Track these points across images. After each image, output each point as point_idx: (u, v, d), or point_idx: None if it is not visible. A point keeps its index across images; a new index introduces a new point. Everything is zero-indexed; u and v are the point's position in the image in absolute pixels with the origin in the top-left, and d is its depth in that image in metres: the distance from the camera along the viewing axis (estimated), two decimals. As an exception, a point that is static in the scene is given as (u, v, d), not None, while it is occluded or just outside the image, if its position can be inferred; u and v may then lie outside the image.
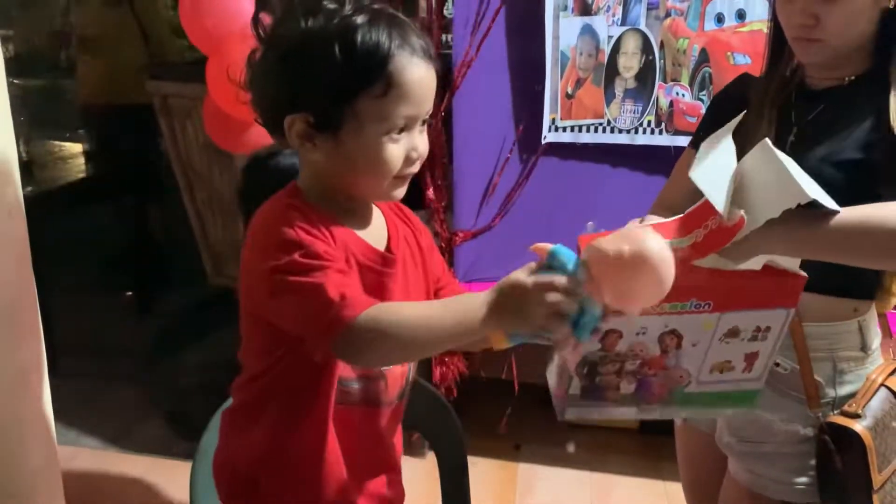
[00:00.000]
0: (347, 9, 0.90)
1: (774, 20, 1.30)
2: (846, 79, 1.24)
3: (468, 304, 0.84)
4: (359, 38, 0.88)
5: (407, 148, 0.94)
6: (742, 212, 1.00)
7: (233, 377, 1.10)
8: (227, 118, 2.09)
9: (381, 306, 0.87)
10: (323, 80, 0.89)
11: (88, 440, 2.72)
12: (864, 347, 1.26)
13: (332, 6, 0.90)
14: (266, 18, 0.95)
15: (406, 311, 0.88)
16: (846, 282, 1.21)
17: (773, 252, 1.06)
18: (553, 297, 0.79)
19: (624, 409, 1.10)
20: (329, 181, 0.97)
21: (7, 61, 1.54)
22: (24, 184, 2.92)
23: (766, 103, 1.29)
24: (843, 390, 1.25)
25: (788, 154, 1.17)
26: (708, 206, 1.01)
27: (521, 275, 0.82)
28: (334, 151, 0.93)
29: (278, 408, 1.05)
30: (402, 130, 0.93)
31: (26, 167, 3.17)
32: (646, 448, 1.52)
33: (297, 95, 0.91)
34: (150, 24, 3.50)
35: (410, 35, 0.91)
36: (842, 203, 1.07)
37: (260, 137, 2.04)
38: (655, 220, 1.09)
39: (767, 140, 1.04)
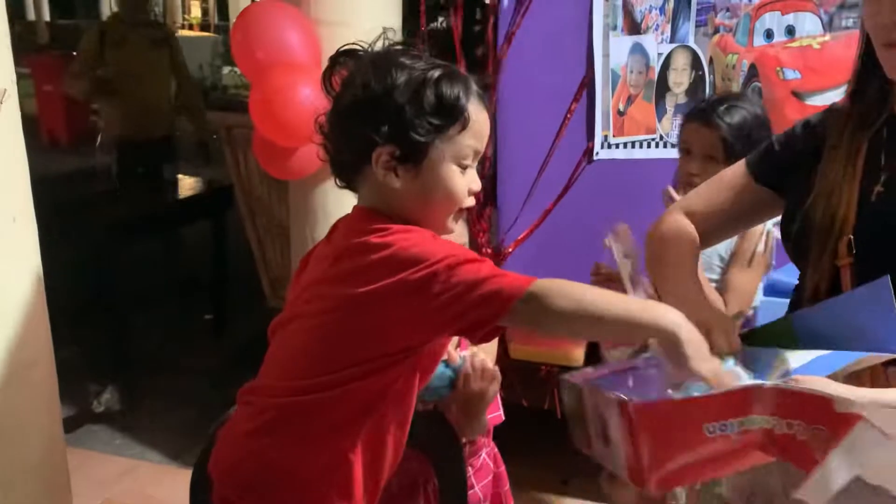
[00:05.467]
0: (423, 64, 1.07)
1: (865, 31, 1.07)
2: None
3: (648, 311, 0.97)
4: (445, 87, 1.05)
5: (469, 182, 1.10)
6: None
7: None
8: (272, 144, 2.17)
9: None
10: (413, 119, 1.04)
11: (152, 454, 2.84)
12: None
13: (409, 62, 1.06)
14: (337, 76, 1.11)
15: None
16: None
17: None
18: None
19: None
20: (400, 210, 1.09)
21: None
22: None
23: (845, 134, 1.09)
24: None
25: (873, 209, 1.01)
26: (823, 412, 0.82)
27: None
28: (413, 182, 1.07)
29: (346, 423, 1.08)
30: (465, 168, 1.09)
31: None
32: (702, 487, 1.51)
33: (386, 132, 1.04)
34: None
35: (473, 84, 1.09)
36: None
37: (303, 164, 2.13)
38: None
39: None
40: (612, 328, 0.98)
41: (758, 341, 0.94)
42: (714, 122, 1.70)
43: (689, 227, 1.27)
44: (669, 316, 0.94)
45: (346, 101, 1.07)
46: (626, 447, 0.87)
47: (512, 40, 2.41)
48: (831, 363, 0.88)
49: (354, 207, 1.13)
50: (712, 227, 1.28)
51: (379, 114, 1.03)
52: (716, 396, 0.86)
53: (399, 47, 1.10)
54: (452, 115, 1.05)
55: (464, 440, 1.50)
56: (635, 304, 1.02)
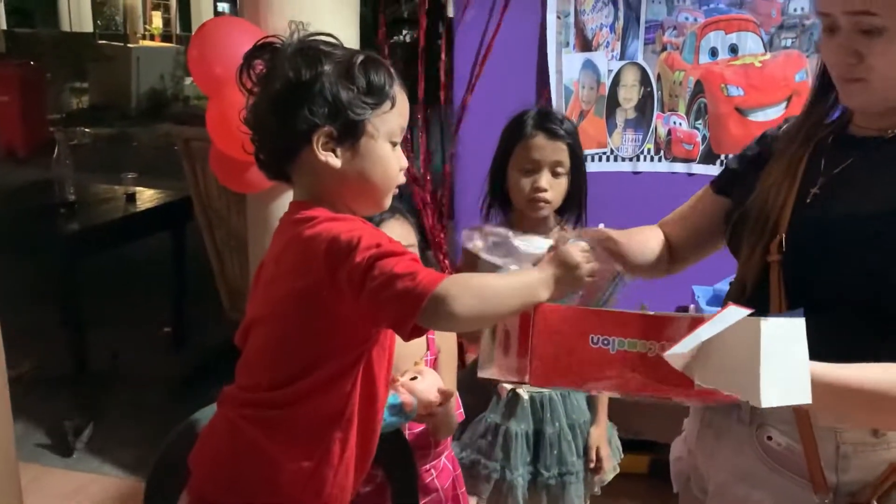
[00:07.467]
0: (343, 51, 1.12)
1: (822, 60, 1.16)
2: (890, 131, 1.09)
3: (530, 285, 1.02)
4: (371, 69, 1.11)
5: (398, 159, 1.15)
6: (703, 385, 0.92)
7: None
8: (230, 158, 2.18)
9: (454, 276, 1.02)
10: (349, 100, 1.09)
11: (109, 468, 2.81)
12: (876, 431, 1.06)
13: (331, 49, 1.12)
14: (258, 65, 1.14)
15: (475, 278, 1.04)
16: (859, 353, 0.99)
17: None
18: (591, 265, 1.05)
19: None
20: (338, 193, 1.13)
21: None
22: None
23: (795, 141, 1.17)
24: (846, 477, 1.07)
25: (806, 211, 1.09)
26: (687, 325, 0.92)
27: (574, 254, 1.05)
28: (351, 161, 1.11)
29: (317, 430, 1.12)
30: (395, 145, 1.14)
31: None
32: (654, 492, 1.51)
33: (325, 112, 1.08)
34: None
35: (391, 67, 1.15)
36: (856, 270, 1.01)
37: (261, 177, 2.12)
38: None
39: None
40: (516, 311, 1.01)
41: None
42: (559, 133, 1.73)
43: (655, 228, 1.38)
44: (538, 277, 1.02)
45: (278, 89, 1.10)
46: (521, 343, 0.98)
47: (482, 68, 2.47)
48: None
49: (290, 203, 1.16)
50: (679, 235, 1.36)
51: (316, 97, 1.07)
52: (611, 313, 0.97)
53: (316, 37, 1.14)
54: (382, 94, 1.11)
55: (437, 441, 1.58)
56: (518, 283, 1.03)
